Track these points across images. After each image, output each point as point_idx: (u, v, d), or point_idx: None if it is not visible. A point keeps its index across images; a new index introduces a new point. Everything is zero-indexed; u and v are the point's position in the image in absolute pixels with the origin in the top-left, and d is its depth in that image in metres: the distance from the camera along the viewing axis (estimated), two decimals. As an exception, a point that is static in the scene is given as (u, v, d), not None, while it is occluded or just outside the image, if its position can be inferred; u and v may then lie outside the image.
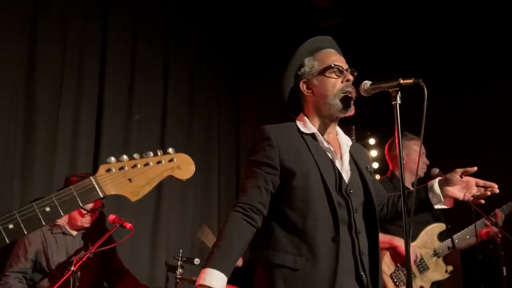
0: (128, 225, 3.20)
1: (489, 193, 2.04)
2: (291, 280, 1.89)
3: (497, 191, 2.04)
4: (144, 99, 4.51)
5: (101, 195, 1.20)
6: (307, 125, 2.09)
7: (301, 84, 2.14)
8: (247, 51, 5.28)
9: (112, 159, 1.25)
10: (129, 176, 1.23)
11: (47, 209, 1.13)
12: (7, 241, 1.10)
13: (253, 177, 1.99)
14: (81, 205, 1.17)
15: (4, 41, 3.66)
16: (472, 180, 2.06)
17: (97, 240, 3.05)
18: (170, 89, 4.73)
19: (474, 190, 2.05)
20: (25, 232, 1.11)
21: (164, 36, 4.80)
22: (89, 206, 3.29)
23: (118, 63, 4.38)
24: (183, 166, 1.29)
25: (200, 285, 1.79)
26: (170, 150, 1.30)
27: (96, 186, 1.19)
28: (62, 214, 1.15)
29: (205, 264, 1.84)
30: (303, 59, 2.15)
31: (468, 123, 4.38)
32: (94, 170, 3.63)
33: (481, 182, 2.06)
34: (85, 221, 3.37)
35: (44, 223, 1.13)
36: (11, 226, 1.10)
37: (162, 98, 4.68)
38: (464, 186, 2.07)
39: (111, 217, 3.27)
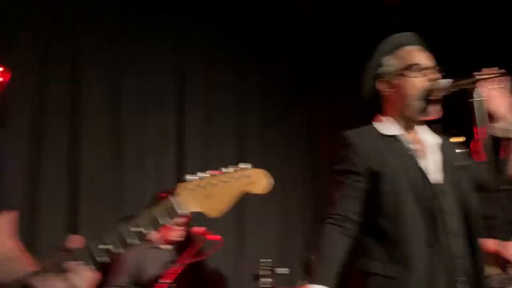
0: (216, 237, 3.32)
1: None
2: None
3: None
4: (219, 119, 4.65)
5: (182, 213, 1.25)
6: (388, 127, 2.01)
7: (381, 84, 2.05)
8: (318, 55, 5.23)
9: (191, 177, 1.30)
10: (208, 193, 1.27)
11: (133, 229, 1.21)
12: (107, 260, 1.19)
13: (341, 186, 1.95)
14: (163, 223, 1.23)
15: (91, 68, 3.99)
16: None
17: (187, 252, 3.18)
18: (242, 102, 4.83)
19: None
20: (115, 252, 1.19)
21: (233, 49, 4.89)
22: (177, 221, 3.42)
23: (195, 82, 4.56)
24: (260, 181, 1.31)
25: None
26: (246, 165, 1.34)
27: (176, 205, 1.25)
28: (146, 233, 1.22)
29: (309, 280, 1.85)
30: (383, 58, 2.05)
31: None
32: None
33: None
34: (175, 235, 3.54)
35: (137, 242, 1.21)
36: (109, 246, 1.18)
37: (236, 112, 4.79)
38: None
39: (199, 230, 3.40)
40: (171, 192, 3.24)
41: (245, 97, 4.88)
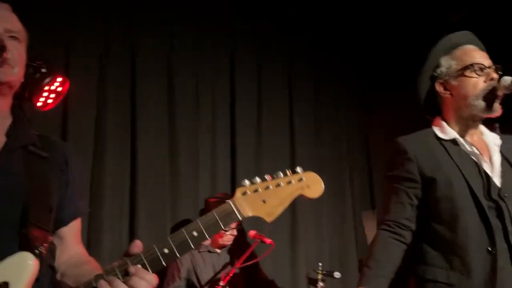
0: (268, 240, 3.34)
1: None
2: None
3: None
4: (271, 121, 4.68)
5: (240, 218, 1.29)
6: (446, 130, 1.96)
7: (438, 85, 2.01)
8: (372, 56, 5.16)
9: (247, 182, 1.34)
10: (263, 198, 1.31)
11: (195, 233, 1.26)
12: (164, 265, 1.24)
13: (395, 193, 1.95)
14: (223, 228, 1.27)
15: (149, 75, 4.13)
16: None
17: (239, 255, 3.22)
18: (295, 107, 4.83)
19: None
20: (178, 255, 1.24)
21: (287, 55, 4.92)
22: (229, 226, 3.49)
23: (246, 88, 4.62)
24: (313, 185, 1.34)
25: None
26: (299, 169, 1.36)
27: (235, 209, 1.29)
28: (208, 238, 1.26)
29: (357, 284, 1.85)
30: (439, 59, 2.02)
31: None
32: (232, 190, 3.90)
33: None
34: (227, 239, 3.60)
35: (193, 247, 1.25)
36: (166, 250, 1.24)
37: (288, 116, 4.79)
38: None
39: (252, 233, 3.44)
40: (222, 196, 3.32)
41: (298, 99, 4.88)
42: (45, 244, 1.34)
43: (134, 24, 4.13)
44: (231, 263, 3.57)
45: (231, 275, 3.11)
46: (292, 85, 4.88)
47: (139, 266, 1.22)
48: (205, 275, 3.52)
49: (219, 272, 3.52)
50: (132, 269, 1.21)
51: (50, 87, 3.34)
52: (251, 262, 3.22)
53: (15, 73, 1.41)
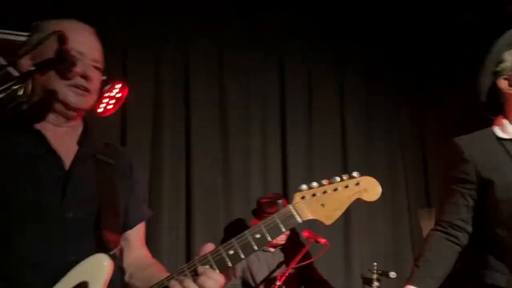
0: (322, 240, 3.36)
1: None
2: None
3: None
4: (322, 120, 4.69)
5: (300, 221, 1.35)
6: (508, 129, 1.90)
7: (501, 82, 1.93)
8: (427, 51, 5.01)
9: (304, 186, 1.39)
10: (322, 202, 1.35)
11: (257, 236, 1.33)
12: (230, 265, 1.32)
13: (451, 194, 1.93)
14: (284, 230, 1.33)
15: (200, 75, 4.25)
16: None
17: (293, 254, 3.27)
18: (346, 106, 4.81)
19: None
20: (242, 257, 1.32)
21: (336, 56, 4.90)
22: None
23: (296, 89, 4.66)
24: (370, 189, 1.37)
25: None
26: (355, 173, 1.40)
27: (295, 213, 1.35)
28: (270, 239, 1.33)
29: (405, 282, 1.86)
30: (502, 53, 1.94)
31: None
32: (283, 190, 3.94)
33: None
34: (280, 238, 3.65)
35: (256, 248, 1.32)
36: (231, 252, 1.32)
37: (340, 116, 4.78)
38: None
39: (306, 233, 3.47)
40: (273, 195, 3.37)
41: (349, 99, 4.86)
42: (118, 247, 1.44)
43: (185, 28, 4.28)
44: (285, 262, 3.62)
45: (286, 274, 3.15)
46: (342, 83, 4.86)
47: (207, 266, 1.30)
48: (260, 274, 3.59)
49: (273, 271, 3.58)
50: (200, 269, 1.30)
51: (110, 93, 3.51)
52: (306, 262, 3.25)
53: (93, 99, 1.52)
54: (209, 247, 1.33)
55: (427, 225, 4.40)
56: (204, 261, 1.31)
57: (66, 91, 1.44)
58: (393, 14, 4.74)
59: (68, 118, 1.51)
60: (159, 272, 1.49)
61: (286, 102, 4.58)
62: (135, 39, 4.04)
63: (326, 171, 4.49)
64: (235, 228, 4.10)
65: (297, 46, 4.72)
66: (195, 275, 1.30)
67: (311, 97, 4.70)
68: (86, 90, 1.47)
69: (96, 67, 1.51)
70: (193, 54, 4.27)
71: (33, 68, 1.31)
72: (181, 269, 1.32)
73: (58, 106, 1.47)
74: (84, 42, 1.49)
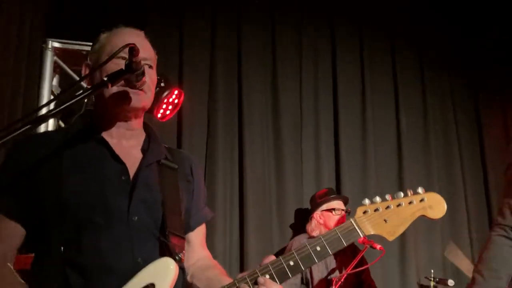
0: (378, 246, 3.31)
1: None
2: None
3: None
4: (377, 123, 4.62)
5: (361, 235, 1.35)
6: None
7: None
8: (483, 51, 4.86)
9: (367, 201, 1.39)
10: (384, 217, 1.35)
11: (318, 248, 1.34)
12: (290, 276, 1.34)
13: (511, 197, 1.88)
14: (345, 245, 1.34)
15: (252, 76, 4.32)
16: None
17: (349, 256, 3.24)
18: (402, 108, 4.71)
19: None
20: (303, 268, 1.33)
21: (390, 53, 4.84)
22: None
23: (349, 89, 4.63)
24: (435, 206, 1.35)
25: None
26: (420, 190, 1.38)
27: (357, 227, 1.35)
28: (330, 253, 1.33)
29: None
30: None
31: None
32: (337, 193, 3.90)
33: None
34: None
35: (316, 261, 1.34)
36: (291, 263, 1.34)
37: (395, 119, 4.69)
38: None
39: (361, 238, 3.43)
40: (324, 190, 3.35)
41: (405, 100, 4.77)
42: (184, 251, 1.49)
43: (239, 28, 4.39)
44: (340, 264, 3.60)
45: (342, 280, 3.13)
46: (398, 84, 4.77)
47: (267, 276, 1.33)
48: (319, 272, 3.59)
49: (329, 273, 3.57)
50: (261, 279, 1.33)
51: (168, 99, 3.60)
52: (361, 268, 3.22)
53: (148, 97, 1.56)
54: (270, 258, 1.36)
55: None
56: (265, 271, 1.34)
57: (123, 93, 1.49)
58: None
59: (127, 121, 1.56)
60: (220, 275, 1.52)
61: (339, 105, 4.55)
62: (189, 45, 4.20)
63: (381, 176, 4.42)
64: (289, 233, 4.15)
65: (349, 45, 4.72)
66: (255, 284, 1.33)
67: (364, 98, 4.64)
68: (141, 89, 1.51)
69: (147, 65, 1.55)
70: (245, 60, 4.35)
71: (105, 78, 1.37)
72: (242, 277, 1.35)
73: (117, 109, 1.53)
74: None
